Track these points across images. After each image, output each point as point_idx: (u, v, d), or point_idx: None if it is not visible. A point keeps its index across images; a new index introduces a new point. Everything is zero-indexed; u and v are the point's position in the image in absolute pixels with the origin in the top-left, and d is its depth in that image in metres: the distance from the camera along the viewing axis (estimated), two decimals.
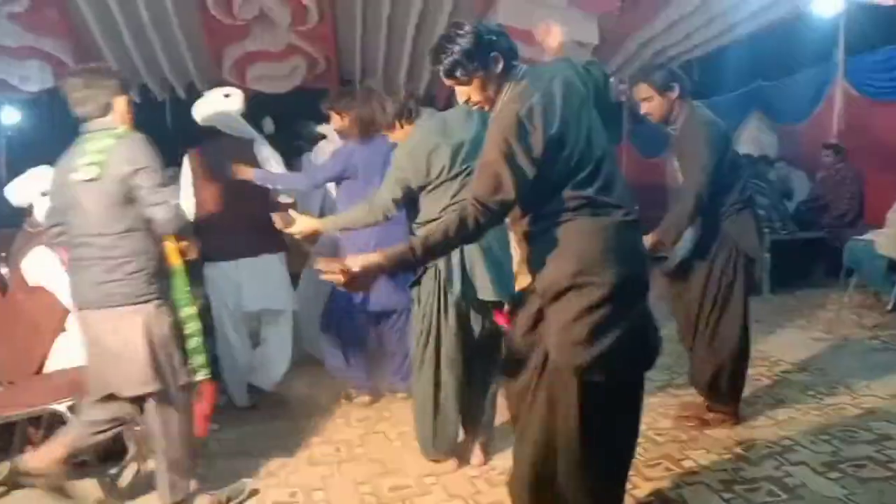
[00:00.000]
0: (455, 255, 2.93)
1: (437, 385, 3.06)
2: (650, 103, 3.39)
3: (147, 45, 7.06)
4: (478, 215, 2.05)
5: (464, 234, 2.09)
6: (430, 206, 3.03)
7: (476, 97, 2.21)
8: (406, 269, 2.29)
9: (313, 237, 3.98)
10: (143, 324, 2.64)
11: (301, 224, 3.37)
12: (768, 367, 4.40)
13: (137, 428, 3.06)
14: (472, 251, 2.93)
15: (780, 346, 4.90)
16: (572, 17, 6.38)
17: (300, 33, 7.06)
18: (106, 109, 2.69)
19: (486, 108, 2.23)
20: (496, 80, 2.17)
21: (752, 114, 9.09)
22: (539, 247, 2.18)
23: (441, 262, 2.95)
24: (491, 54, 2.14)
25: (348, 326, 4.12)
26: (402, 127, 3.21)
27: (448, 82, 2.22)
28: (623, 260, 2.11)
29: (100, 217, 2.60)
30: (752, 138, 9.06)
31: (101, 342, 2.66)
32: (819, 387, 3.95)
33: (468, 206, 2.07)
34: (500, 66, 2.16)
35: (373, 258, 2.08)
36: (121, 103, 2.73)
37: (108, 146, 2.60)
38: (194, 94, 3.85)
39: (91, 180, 2.57)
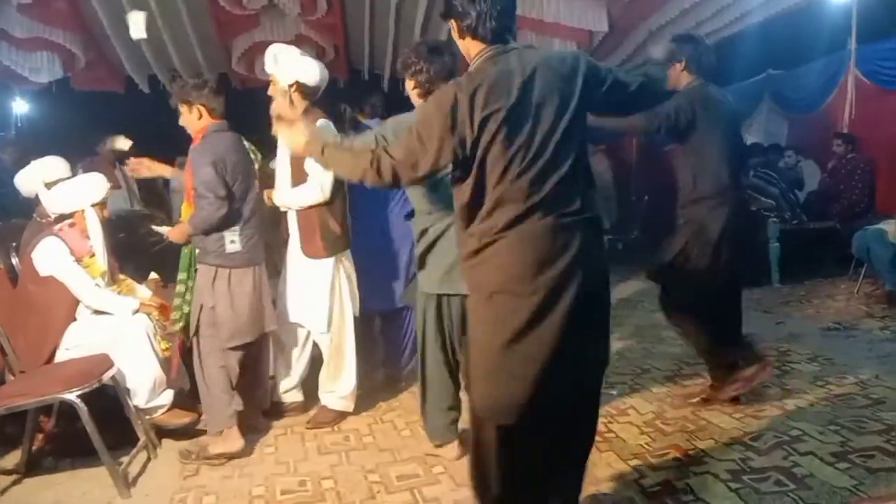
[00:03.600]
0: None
1: (444, 371, 3.08)
2: None
3: (156, 36, 7.06)
4: (370, 166, 2.06)
5: (353, 171, 2.15)
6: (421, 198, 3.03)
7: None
8: (314, 154, 2.32)
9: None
10: None
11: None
12: (777, 356, 4.38)
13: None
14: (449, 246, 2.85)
15: (789, 335, 4.89)
16: (581, 5, 6.35)
17: (309, 23, 7.05)
18: None
19: None
20: (462, 46, 2.17)
21: (763, 103, 9.03)
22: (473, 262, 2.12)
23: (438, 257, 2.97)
24: (448, 17, 2.15)
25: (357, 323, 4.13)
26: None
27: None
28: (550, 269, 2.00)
29: None
30: (763, 127, 9.02)
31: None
32: (828, 377, 3.94)
33: (383, 158, 2.06)
34: (457, 33, 2.15)
35: (300, 126, 2.35)
36: None
37: None
38: None
39: None
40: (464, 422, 2.90)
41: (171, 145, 4.96)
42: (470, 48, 2.15)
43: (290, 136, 2.40)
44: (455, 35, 2.17)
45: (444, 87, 2.08)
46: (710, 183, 3.37)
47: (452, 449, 3.13)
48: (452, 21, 2.14)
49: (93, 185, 3.59)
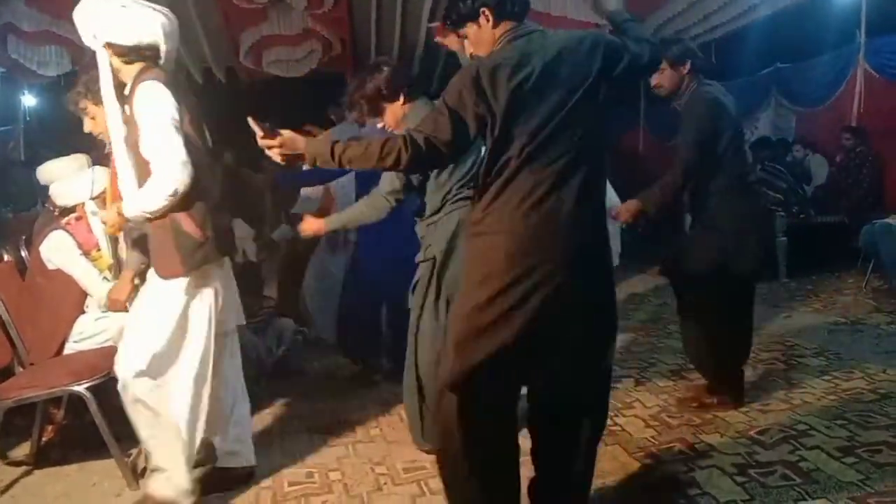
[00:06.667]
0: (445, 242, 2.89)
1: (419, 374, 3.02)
2: (662, 74, 3.39)
3: None
4: (403, 146, 2.01)
5: (383, 160, 2.05)
6: (433, 196, 2.98)
7: (471, 50, 2.22)
8: (325, 164, 2.16)
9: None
10: None
11: (307, 224, 3.47)
12: (784, 350, 4.39)
13: None
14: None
15: (796, 330, 4.88)
16: None
17: (316, 16, 7.05)
18: None
19: None
20: (488, 35, 2.16)
21: (771, 97, 9.00)
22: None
23: (436, 249, 2.92)
24: (479, 8, 2.13)
25: (364, 315, 4.19)
26: (403, 102, 3.05)
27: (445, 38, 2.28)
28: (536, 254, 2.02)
29: None
30: (771, 121, 8.99)
31: None
32: (835, 371, 3.93)
33: (398, 136, 2.05)
34: (490, 21, 2.14)
35: (298, 141, 2.14)
36: None
37: None
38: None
39: None
40: None
41: None
42: (495, 34, 2.16)
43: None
44: (478, 31, 2.17)
45: (466, 65, 2.12)
46: (728, 176, 3.37)
47: None
48: (484, 10, 2.13)
49: (93, 179, 3.59)
